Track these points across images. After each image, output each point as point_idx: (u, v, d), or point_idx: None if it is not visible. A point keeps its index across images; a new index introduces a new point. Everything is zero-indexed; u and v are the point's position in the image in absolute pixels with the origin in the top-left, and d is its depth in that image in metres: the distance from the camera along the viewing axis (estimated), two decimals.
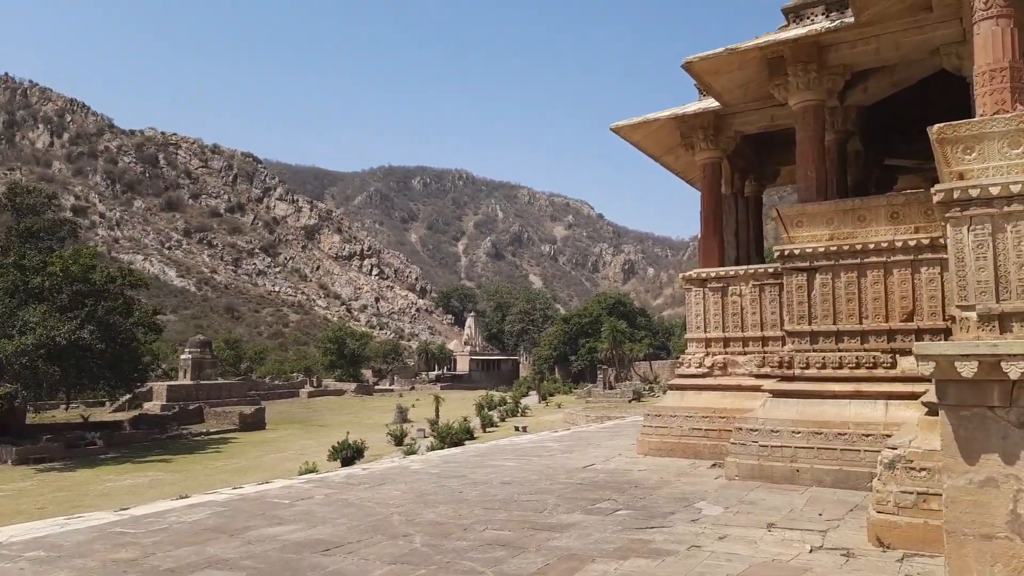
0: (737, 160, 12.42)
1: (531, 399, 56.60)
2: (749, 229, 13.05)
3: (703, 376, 10.88)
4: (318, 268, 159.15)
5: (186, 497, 8.28)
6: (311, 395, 61.87)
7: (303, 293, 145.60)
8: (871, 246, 8.07)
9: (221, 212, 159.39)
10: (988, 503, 3.71)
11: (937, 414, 5.08)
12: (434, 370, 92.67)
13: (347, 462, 21.99)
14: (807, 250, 8.42)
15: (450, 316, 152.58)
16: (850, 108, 10.85)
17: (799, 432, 8.08)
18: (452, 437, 26.95)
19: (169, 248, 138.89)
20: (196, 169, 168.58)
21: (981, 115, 4.81)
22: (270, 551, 5.53)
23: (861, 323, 8.17)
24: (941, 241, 7.43)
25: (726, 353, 10.82)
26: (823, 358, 8.30)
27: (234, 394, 50.43)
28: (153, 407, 43.00)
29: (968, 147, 4.20)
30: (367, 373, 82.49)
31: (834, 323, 8.31)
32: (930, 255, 7.80)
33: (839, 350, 8.25)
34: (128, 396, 42.09)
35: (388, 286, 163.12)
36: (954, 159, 4.22)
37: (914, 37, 8.34)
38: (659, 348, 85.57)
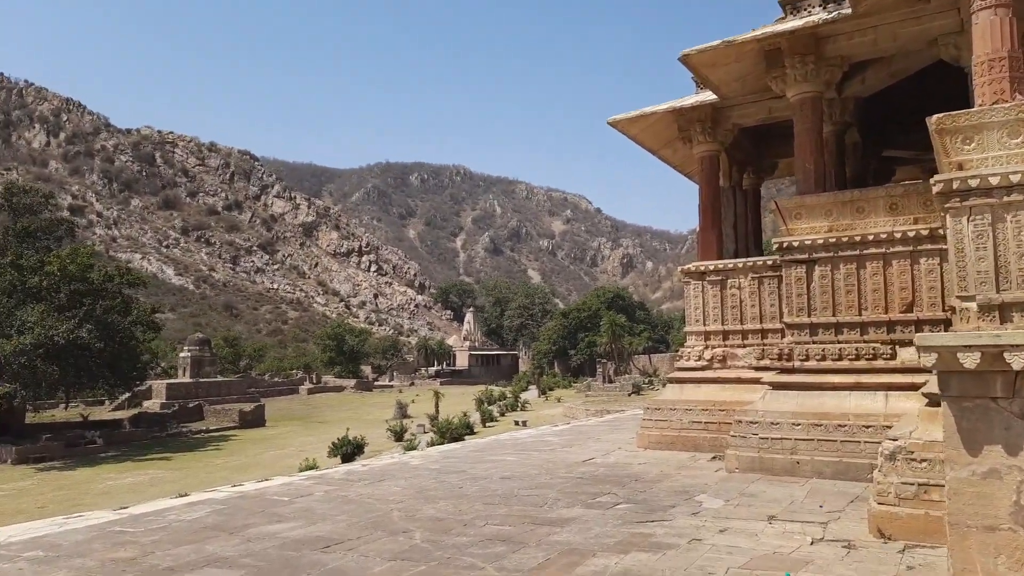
0: (735, 153, 12.39)
1: (531, 393, 56.67)
2: (748, 222, 13.02)
3: (702, 369, 10.87)
4: (316, 265, 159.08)
5: (185, 495, 8.26)
6: (311, 392, 61.91)
7: (301, 290, 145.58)
8: (870, 237, 8.05)
9: (219, 210, 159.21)
10: (991, 495, 3.69)
11: (937, 405, 5.07)
12: (433, 365, 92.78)
13: (347, 458, 22.02)
14: (806, 242, 8.40)
15: (449, 312, 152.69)
16: (848, 100, 10.81)
17: (799, 424, 8.07)
18: (452, 432, 27.00)
19: (167, 246, 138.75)
20: (193, 167, 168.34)
21: (980, 105, 4.78)
22: (269, 549, 5.51)
23: (860, 315, 8.16)
24: (940, 232, 7.41)
25: (725, 346, 10.81)
26: (823, 350, 8.29)
27: (233, 392, 50.48)
28: (153, 405, 43.03)
29: (967, 137, 4.17)
30: (366, 369, 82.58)
31: (833, 315, 8.30)
32: (929, 246, 7.78)
33: (839, 342, 8.24)
34: (127, 395, 42.12)
35: (387, 282, 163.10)
36: (953, 149, 4.19)
37: (912, 28, 8.30)
38: (658, 341, 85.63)
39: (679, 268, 11.71)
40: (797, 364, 8.43)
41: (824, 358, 8.26)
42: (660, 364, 67.67)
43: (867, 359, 8.02)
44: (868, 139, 12.41)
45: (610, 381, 57.01)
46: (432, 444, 21.79)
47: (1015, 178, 3.91)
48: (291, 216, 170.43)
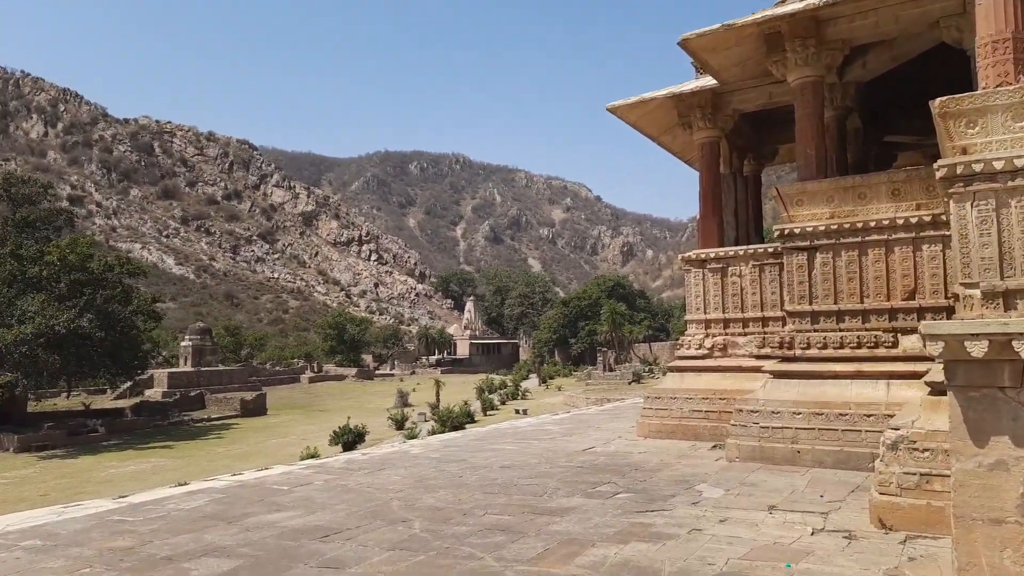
0: (735, 139, 12.29)
1: (531, 382, 56.71)
2: (748, 209, 12.94)
3: (703, 358, 10.83)
4: (316, 254, 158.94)
5: (185, 484, 8.25)
6: (312, 381, 61.98)
7: (302, 279, 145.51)
8: (872, 224, 7.98)
9: (218, 200, 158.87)
10: (998, 487, 3.62)
11: (940, 394, 5.03)
12: (434, 354, 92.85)
13: (348, 447, 22.05)
14: (807, 229, 8.33)
15: (449, 300, 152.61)
16: (849, 84, 10.71)
17: (800, 413, 8.03)
18: (453, 421, 27.02)
19: (167, 236, 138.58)
20: (192, 157, 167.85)
21: (984, 88, 4.69)
22: (268, 538, 5.49)
23: (862, 302, 8.11)
24: (943, 218, 7.34)
25: (726, 334, 10.76)
26: (824, 338, 8.24)
27: (235, 380, 50.52)
28: (154, 394, 43.10)
29: (971, 121, 4.09)
30: (367, 358, 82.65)
31: (835, 303, 8.25)
32: (932, 232, 7.71)
33: (840, 330, 8.19)
34: (129, 384, 42.18)
35: (387, 271, 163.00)
36: (957, 133, 4.12)
37: (913, 9, 8.20)
38: (658, 330, 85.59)
39: (679, 256, 11.64)
40: (798, 352, 8.38)
41: (825, 346, 8.21)
42: (660, 352, 67.66)
43: (869, 347, 7.97)
44: (869, 124, 12.31)
45: (610, 370, 57.05)
46: (433, 433, 21.80)
47: (1020, 162, 3.84)
48: (291, 205, 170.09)
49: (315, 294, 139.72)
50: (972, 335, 3.63)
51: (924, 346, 3.98)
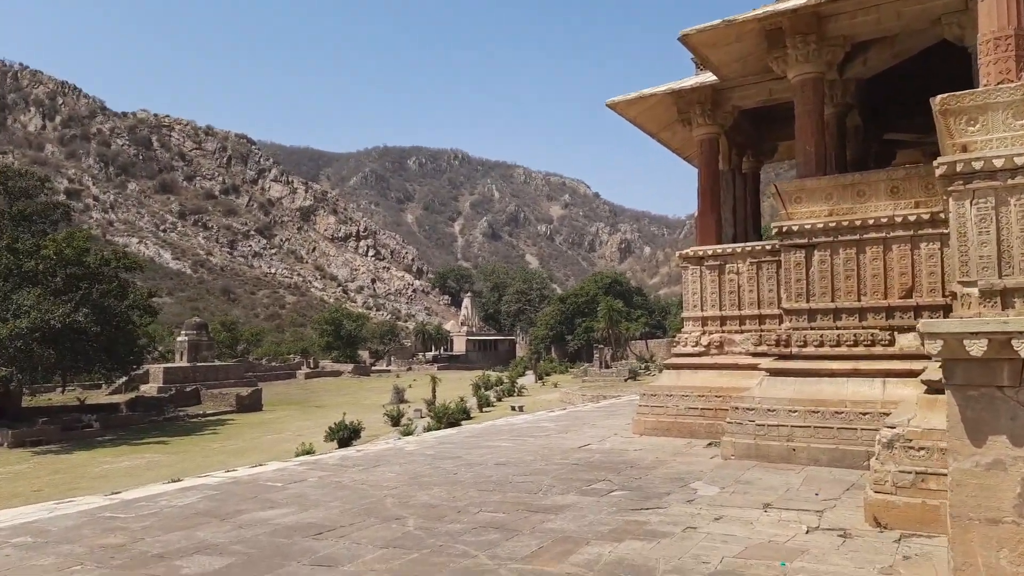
0: (735, 136, 12.25)
1: (528, 379, 56.75)
2: (747, 206, 12.91)
3: (699, 355, 10.80)
4: (314, 249, 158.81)
5: (178, 481, 8.20)
6: (308, 376, 61.98)
7: (299, 275, 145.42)
8: (870, 222, 7.95)
9: (216, 194, 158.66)
10: (995, 486, 3.60)
11: (936, 392, 4.99)
12: (431, 350, 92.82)
13: (344, 443, 22.03)
14: (806, 226, 8.29)
15: (447, 296, 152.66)
16: (849, 81, 10.67)
17: (796, 411, 8.01)
18: (449, 417, 27.01)
19: (164, 230, 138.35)
20: (190, 151, 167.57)
21: (985, 85, 4.67)
22: (261, 535, 5.45)
23: (859, 300, 8.08)
24: (941, 216, 7.31)
25: (723, 332, 10.73)
26: (821, 336, 8.22)
27: (231, 376, 50.47)
28: (150, 389, 43.03)
29: (972, 118, 4.05)
30: (364, 354, 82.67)
31: (832, 300, 8.22)
32: (930, 230, 7.68)
33: (837, 328, 8.16)
34: (124, 379, 42.15)
35: (384, 267, 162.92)
36: (957, 131, 4.08)
37: (915, 6, 8.16)
38: (655, 327, 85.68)
39: (677, 253, 11.61)
40: (795, 350, 8.36)
41: (822, 344, 8.18)
42: (657, 350, 67.74)
43: (865, 345, 7.95)
44: (870, 122, 12.28)
45: (607, 367, 57.04)
46: (429, 429, 21.79)
47: (1020, 160, 3.80)
48: (288, 200, 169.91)
49: (312, 289, 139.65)
50: (971, 334, 3.59)
51: (922, 344, 3.95)
